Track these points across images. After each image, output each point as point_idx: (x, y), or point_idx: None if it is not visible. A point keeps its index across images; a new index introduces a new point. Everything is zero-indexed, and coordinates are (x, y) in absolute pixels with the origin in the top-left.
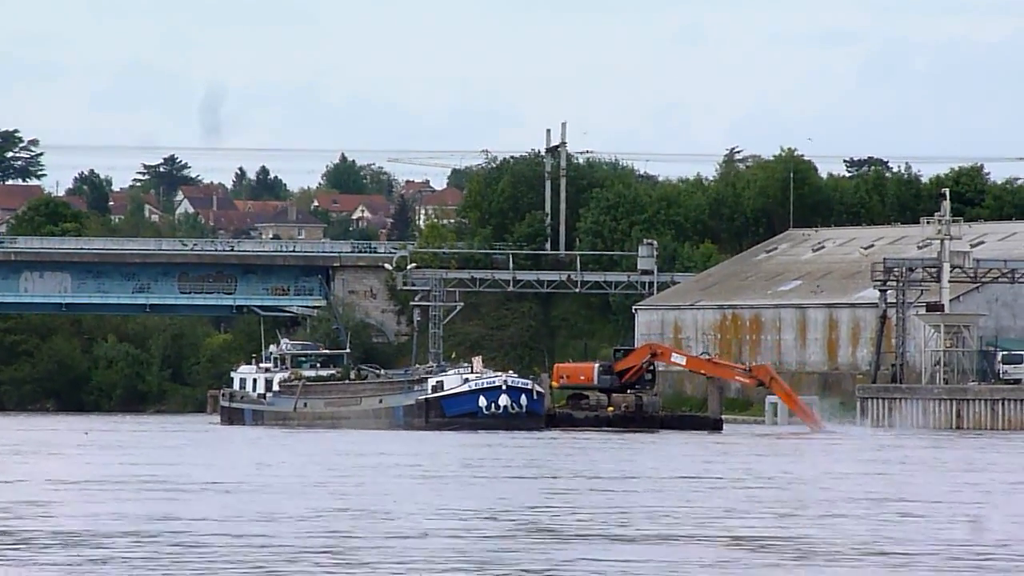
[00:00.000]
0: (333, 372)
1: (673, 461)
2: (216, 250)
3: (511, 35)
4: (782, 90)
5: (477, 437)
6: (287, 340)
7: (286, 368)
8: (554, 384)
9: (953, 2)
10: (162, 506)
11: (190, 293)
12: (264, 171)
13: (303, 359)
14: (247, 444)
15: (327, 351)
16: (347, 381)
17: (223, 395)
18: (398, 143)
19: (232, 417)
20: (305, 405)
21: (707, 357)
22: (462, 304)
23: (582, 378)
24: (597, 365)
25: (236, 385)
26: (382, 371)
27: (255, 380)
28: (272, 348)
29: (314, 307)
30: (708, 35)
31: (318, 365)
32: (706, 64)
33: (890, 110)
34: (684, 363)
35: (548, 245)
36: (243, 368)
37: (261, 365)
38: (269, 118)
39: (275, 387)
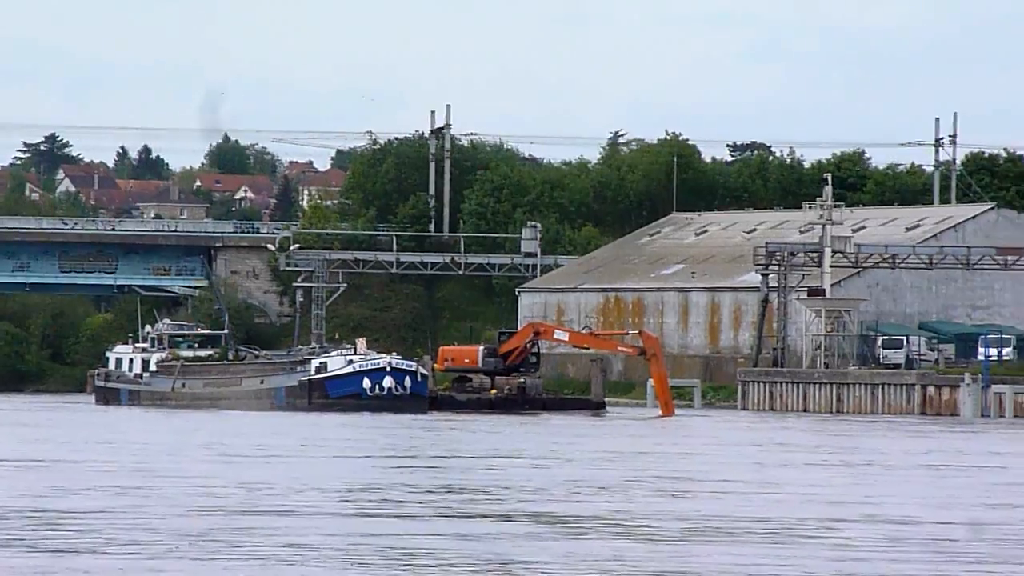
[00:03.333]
0: (211, 352)
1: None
2: (97, 229)
3: (396, 16)
4: (666, 73)
5: (349, 418)
6: (166, 320)
7: (163, 348)
8: (439, 367)
9: None
10: None
11: (71, 272)
12: (146, 150)
13: (180, 339)
14: (98, 424)
15: (205, 331)
16: (226, 361)
17: (98, 375)
18: (282, 124)
19: (108, 397)
20: (183, 385)
21: (589, 331)
22: (345, 285)
23: (467, 361)
24: (482, 348)
25: (112, 365)
26: (260, 352)
27: (131, 360)
28: (148, 328)
29: (196, 287)
30: (591, 17)
31: (196, 345)
32: (590, 46)
33: (773, 94)
34: (567, 339)
35: (432, 227)
36: (119, 348)
37: (138, 345)
38: (151, 96)
39: (152, 367)
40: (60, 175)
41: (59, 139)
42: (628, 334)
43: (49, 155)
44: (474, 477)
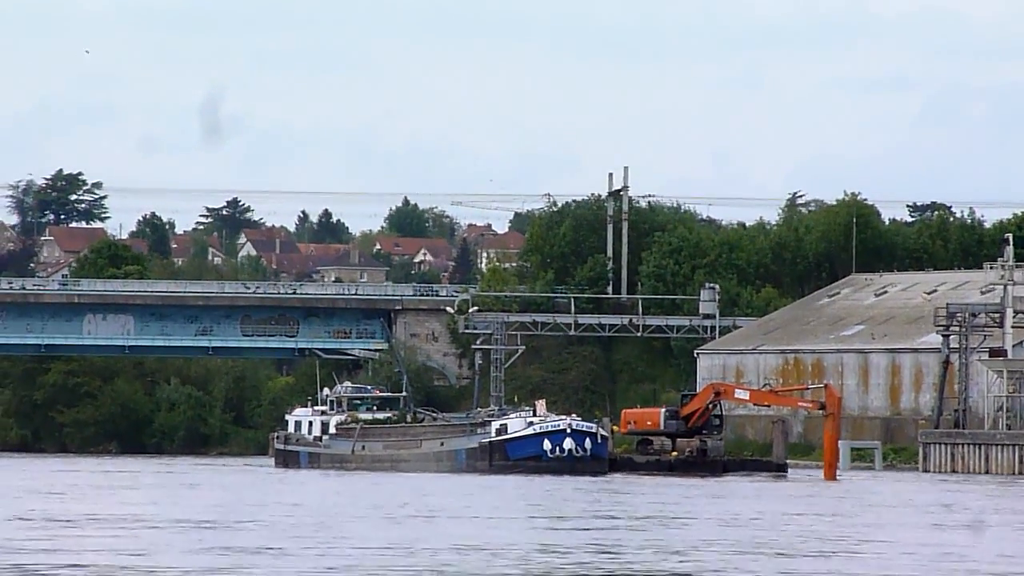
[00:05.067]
0: (390, 415)
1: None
2: (278, 293)
3: (573, 80)
4: (843, 134)
5: (530, 480)
6: (346, 383)
7: (342, 411)
8: (621, 430)
9: (1010, 46)
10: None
11: (252, 336)
12: (327, 214)
13: (359, 402)
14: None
15: (384, 394)
16: (405, 424)
17: (278, 438)
18: (460, 187)
19: (287, 460)
20: (363, 448)
21: (769, 388)
22: (524, 348)
23: (649, 423)
24: (663, 410)
25: (291, 428)
26: (439, 414)
27: (311, 423)
28: (327, 391)
29: (376, 350)
30: (768, 79)
31: (375, 408)
32: (767, 108)
33: (952, 154)
34: (748, 397)
35: (610, 289)
36: (298, 411)
37: (317, 408)
38: (332, 161)
39: (332, 430)
40: (242, 239)
41: (241, 204)
42: (809, 388)
43: (231, 220)
44: (632, 537)
